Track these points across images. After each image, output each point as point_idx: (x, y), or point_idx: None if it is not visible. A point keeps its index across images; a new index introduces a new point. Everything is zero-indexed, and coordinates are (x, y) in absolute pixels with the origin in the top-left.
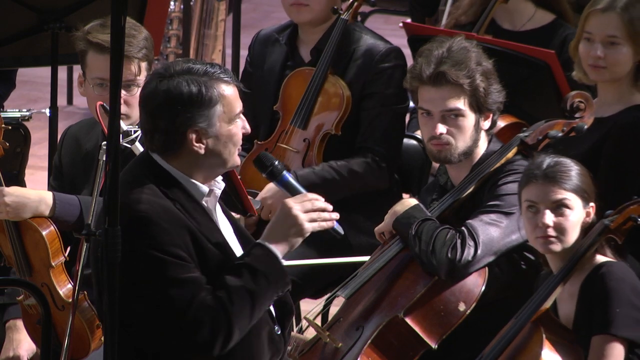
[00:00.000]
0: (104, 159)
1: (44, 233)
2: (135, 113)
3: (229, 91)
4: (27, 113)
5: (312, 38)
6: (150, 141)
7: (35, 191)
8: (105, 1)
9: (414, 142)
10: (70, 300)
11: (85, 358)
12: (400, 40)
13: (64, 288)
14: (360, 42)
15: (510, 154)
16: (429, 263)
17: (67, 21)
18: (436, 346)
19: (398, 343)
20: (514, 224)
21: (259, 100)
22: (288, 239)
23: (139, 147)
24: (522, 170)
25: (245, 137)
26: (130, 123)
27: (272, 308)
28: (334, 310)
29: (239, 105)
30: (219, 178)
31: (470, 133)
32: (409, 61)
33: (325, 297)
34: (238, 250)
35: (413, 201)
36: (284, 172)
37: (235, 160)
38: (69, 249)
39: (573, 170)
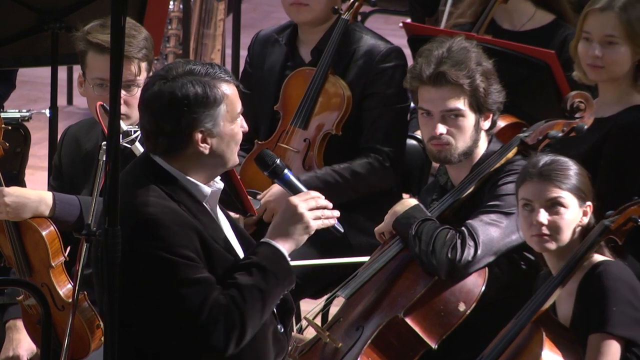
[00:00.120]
0: (104, 159)
1: (44, 233)
2: (135, 113)
3: (230, 90)
4: (27, 113)
5: (312, 38)
6: (154, 144)
7: (35, 191)
8: (105, 1)
9: (414, 142)
10: (70, 300)
11: (85, 358)
12: (400, 40)
13: (64, 288)
14: (360, 43)
15: (510, 154)
16: (429, 263)
17: (67, 21)
18: (436, 346)
19: (398, 343)
20: (514, 224)
21: (259, 100)
22: (294, 237)
23: (139, 147)
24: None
25: (246, 137)
26: (130, 123)
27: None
28: (334, 310)
29: (239, 104)
30: (217, 178)
31: (470, 133)
32: (410, 61)
33: (325, 297)
34: (239, 250)
35: (413, 201)
36: (286, 171)
37: (236, 159)
38: (68, 249)
39: (569, 169)
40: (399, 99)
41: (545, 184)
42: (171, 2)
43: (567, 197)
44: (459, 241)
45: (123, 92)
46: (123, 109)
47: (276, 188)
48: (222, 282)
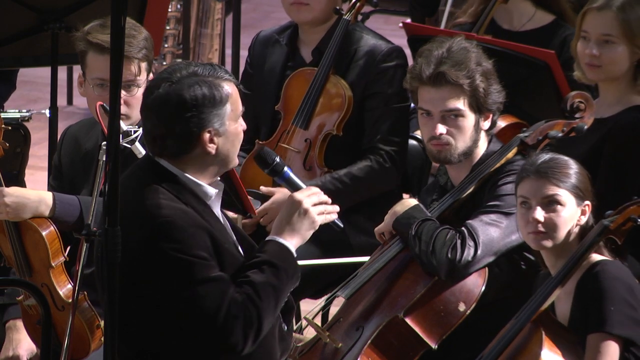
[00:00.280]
0: (104, 159)
1: (43, 233)
2: (135, 113)
3: (233, 90)
4: (27, 113)
5: (313, 38)
6: (161, 147)
7: (35, 191)
8: (105, 1)
9: (414, 142)
10: (70, 300)
11: (85, 358)
12: (400, 40)
13: (64, 288)
14: (361, 43)
15: (510, 154)
16: (429, 263)
17: (67, 21)
18: (436, 346)
19: (398, 343)
20: (514, 224)
21: (259, 101)
22: (301, 233)
23: (139, 147)
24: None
25: (247, 137)
26: (130, 123)
27: None
28: (334, 310)
29: (240, 103)
30: (217, 179)
31: (470, 133)
32: (410, 61)
33: (325, 297)
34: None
35: (413, 201)
36: (286, 168)
37: (237, 160)
38: (68, 249)
39: (567, 167)
40: (400, 98)
41: (542, 181)
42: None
43: (564, 195)
44: (459, 241)
45: (123, 92)
46: (123, 109)
47: (280, 195)
48: (234, 281)
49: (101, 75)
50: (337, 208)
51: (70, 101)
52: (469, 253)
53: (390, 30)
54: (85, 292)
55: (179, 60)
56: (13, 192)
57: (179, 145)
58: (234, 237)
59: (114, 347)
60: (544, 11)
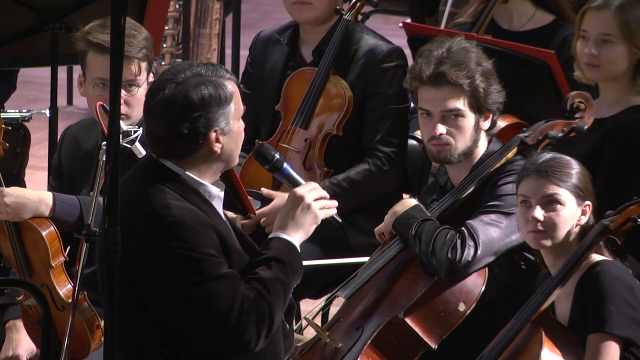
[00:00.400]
0: (104, 159)
1: (43, 233)
2: (135, 113)
3: (235, 89)
4: (27, 113)
5: (314, 38)
6: (166, 148)
7: (35, 192)
8: (105, 1)
9: (414, 142)
10: (70, 300)
11: (85, 358)
12: (400, 40)
13: (64, 288)
14: (361, 43)
15: (510, 154)
16: (429, 263)
17: (67, 21)
18: (436, 346)
19: (398, 343)
20: (514, 224)
21: (260, 100)
22: (305, 228)
23: (139, 147)
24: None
25: (247, 137)
26: (130, 123)
27: None
28: (334, 310)
29: (241, 102)
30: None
31: (470, 133)
32: (410, 61)
33: (325, 297)
34: None
35: (413, 201)
36: (285, 165)
37: (237, 159)
38: (68, 249)
39: (568, 167)
40: (400, 99)
41: (542, 180)
42: None
43: (564, 195)
44: (458, 241)
45: (123, 92)
46: (123, 108)
47: (279, 200)
48: (242, 278)
49: (101, 75)
50: (335, 203)
51: (70, 101)
52: (469, 253)
53: (390, 30)
54: (85, 292)
55: (179, 60)
56: (13, 192)
57: (186, 146)
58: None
59: (114, 347)
60: (543, 11)
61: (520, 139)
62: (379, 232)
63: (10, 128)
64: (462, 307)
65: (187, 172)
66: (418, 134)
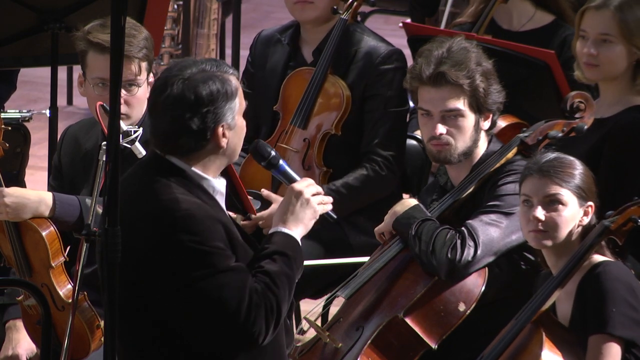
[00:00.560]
0: (104, 159)
1: (43, 234)
2: (136, 113)
3: (239, 84)
4: (27, 114)
5: (315, 38)
6: (174, 144)
7: (35, 192)
8: (105, 1)
9: (414, 142)
10: (70, 300)
11: (85, 358)
12: (400, 40)
13: (64, 288)
14: (361, 44)
15: (510, 154)
16: (429, 263)
17: (67, 21)
18: (436, 346)
19: (398, 343)
20: (514, 224)
21: (260, 100)
22: (304, 222)
23: (139, 147)
24: (522, 170)
25: (247, 137)
26: (130, 123)
27: None
28: (334, 310)
29: (244, 98)
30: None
31: (470, 133)
32: (410, 62)
33: (325, 297)
34: None
35: (413, 201)
36: (281, 161)
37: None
38: (68, 249)
39: (571, 167)
40: (399, 101)
41: (544, 180)
42: None
43: (566, 195)
44: (458, 241)
45: (123, 92)
46: (123, 108)
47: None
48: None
49: (101, 75)
50: (331, 199)
51: (70, 101)
52: (469, 253)
53: (390, 30)
54: (85, 292)
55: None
56: (13, 192)
57: (194, 141)
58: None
59: (114, 347)
60: (543, 11)
61: (520, 139)
62: (379, 232)
63: (10, 128)
64: (462, 307)
65: (193, 168)
66: (418, 133)
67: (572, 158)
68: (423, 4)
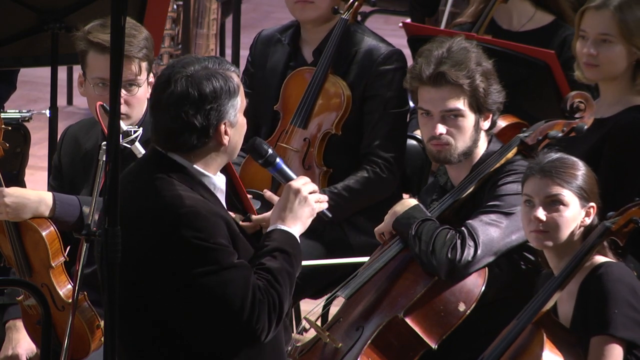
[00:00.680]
0: (104, 159)
1: (43, 234)
2: (136, 113)
3: (240, 82)
4: (27, 114)
5: (315, 38)
6: (177, 142)
7: (35, 192)
8: (105, 1)
9: (414, 142)
10: (70, 300)
11: (85, 358)
12: (400, 41)
13: (64, 288)
14: (361, 44)
15: (510, 154)
16: (429, 263)
17: (67, 21)
18: (436, 346)
19: (398, 343)
20: (514, 224)
21: (260, 100)
22: (302, 220)
23: (139, 147)
24: (522, 170)
25: (247, 137)
26: (130, 123)
27: None
28: (334, 310)
29: (244, 96)
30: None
31: (470, 133)
32: (410, 62)
33: (325, 297)
34: None
35: (413, 201)
36: (278, 159)
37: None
38: (68, 249)
39: (573, 167)
40: (399, 102)
41: (546, 180)
42: None
43: (568, 196)
44: (458, 241)
45: (123, 92)
46: (123, 108)
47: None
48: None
49: (102, 75)
50: (326, 197)
51: (70, 101)
52: (469, 253)
53: (390, 30)
54: (85, 292)
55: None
56: (13, 192)
57: (196, 139)
58: None
59: (114, 347)
60: (543, 11)
61: (520, 139)
62: (379, 232)
63: (10, 128)
64: (462, 307)
65: (192, 164)
66: (418, 133)
67: (575, 159)
68: (423, 4)
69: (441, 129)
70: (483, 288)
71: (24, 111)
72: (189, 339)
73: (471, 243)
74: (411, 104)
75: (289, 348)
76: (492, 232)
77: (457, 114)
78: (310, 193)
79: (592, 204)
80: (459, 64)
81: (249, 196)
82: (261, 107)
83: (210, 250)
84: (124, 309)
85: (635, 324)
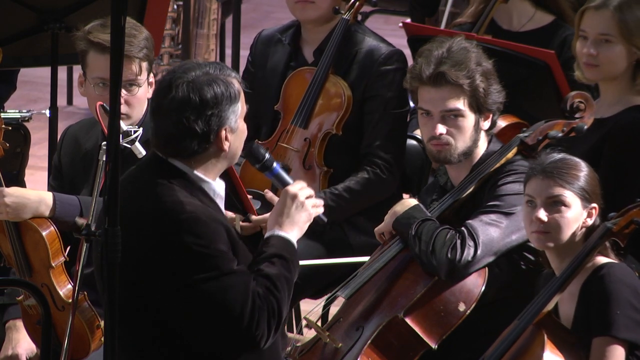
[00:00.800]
0: (104, 159)
1: (44, 233)
2: (136, 113)
3: (240, 88)
4: (27, 114)
5: (316, 38)
6: (177, 146)
7: (35, 192)
8: (105, 1)
9: (414, 142)
10: (70, 300)
11: (85, 358)
12: (400, 41)
13: (64, 288)
14: (362, 44)
15: (510, 154)
16: (429, 263)
17: (67, 21)
18: (436, 346)
19: (398, 343)
20: (514, 224)
21: (261, 100)
22: (300, 225)
23: (139, 147)
24: (522, 170)
25: (247, 137)
26: (130, 123)
27: None
28: (334, 310)
29: (245, 102)
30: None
31: (470, 133)
32: (410, 62)
33: (325, 297)
34: None
35: (413, 201)
36: (275, 164)
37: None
38: (68, 249)
39: (575, 168)
40: (399, 103)
41: (548, 181)
42: None
43: (570, 197)
44: (458, 241)
45: (124, 92)
46: (123, 108)
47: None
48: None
49: (102, 75)
50: (322, 202)
51: (70, 101)
52: (468, 253)
53: (390, 30)
54: (85, 292)
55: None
56: (13, 192)
57: (197, 144)
58: None
59: (114, 347)
60: (543, 11)
61: (520, 139)
62: (379, 232)
63: (10, 128)
64: (462, 307)
65: (191, 169)
66: (418, 133)
67: (578, 160)
68: (423, 4)
69: (441, 129)
70: (483, 288)
71: (24, 111)
72: (188, 339)
73: (471, 243)
74: (411, 104)
75: (289, 349)
76: (492, 232)
77: (457, 114)
78: (307, 198)
79: (594, 205)
80: (459, 64)
81: (249, 196)
82: (262, 107)
83: (210, 257)
84: (123, 308)
85: (637, 325)
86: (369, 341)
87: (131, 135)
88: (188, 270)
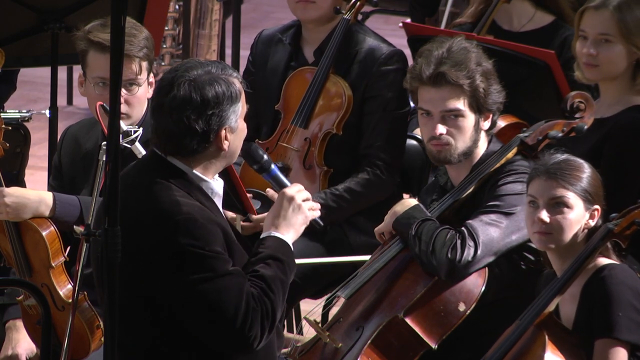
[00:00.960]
0: (104, 159)
1: (44, 233)
2: (136, 112)
3: (241, 87)
4: (27, 114)
5: (316, 38)
6: (177, 145)
7: (35, 192)
8: (105, 1)
9: (414, 142)
10: (70, 300)
11: (85, 358)
12: (400, 41)
13: (64, 288)
14: (363, 44)
15: (510, 154)
16: (429, 263)
17: (67, 21)
18: (436, 346)
19: (398, 343)
20: (514, 224)
21: (261, 100)
22: (296, 227)
23: (139, 147)
24: (522, 170)
25: (247, 137)
26: (130, 122)
27: None
28: (334, 310)
29: (245, 101)
30: (217, 176)
31: (470, 133)
32: (410, 62)
33: (325, 297)
34: None
35: (413, 201)
36: (273, 166)
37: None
38: (68, 249)
39: (578, 170)
40: (399, 103)
41: (550, 182)
42: None
43: (572, 198)
44: (458, 241)
45: (124, 91)
46: (124, 108)
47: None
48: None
49: (102, 74)
50: (319, 205)
51: (70, 101)
52: (469, 253)
53: (390, 30)
54: (85, 292)
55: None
56: (13, 192)
57: (197, 143)
58: None
59: (114, 347)
60: (543, 11)
61: (520, 139)
62: (379, 232)
63: (10, 128)
64: (462, 307)
65: (190, 168)
66: (418, 133)
67: (581, 161)
68: (423, 4)
69: (441, 129)
70: (483, 288)
71: (24, 111)
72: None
73: (471, 243)
74: (411, 104)
75: (289, 349)
76: (492, 232)
77: (457, 114)
78: (304, 200)
79: (597, 206)
80: (459, 64)
81: (249, 196)
82: (262, 106)
83: (205, 258)
84: (123, 308)
85: (639, 326)
86: (369, 341)
87: (131, 135)
88: (184, 271)
